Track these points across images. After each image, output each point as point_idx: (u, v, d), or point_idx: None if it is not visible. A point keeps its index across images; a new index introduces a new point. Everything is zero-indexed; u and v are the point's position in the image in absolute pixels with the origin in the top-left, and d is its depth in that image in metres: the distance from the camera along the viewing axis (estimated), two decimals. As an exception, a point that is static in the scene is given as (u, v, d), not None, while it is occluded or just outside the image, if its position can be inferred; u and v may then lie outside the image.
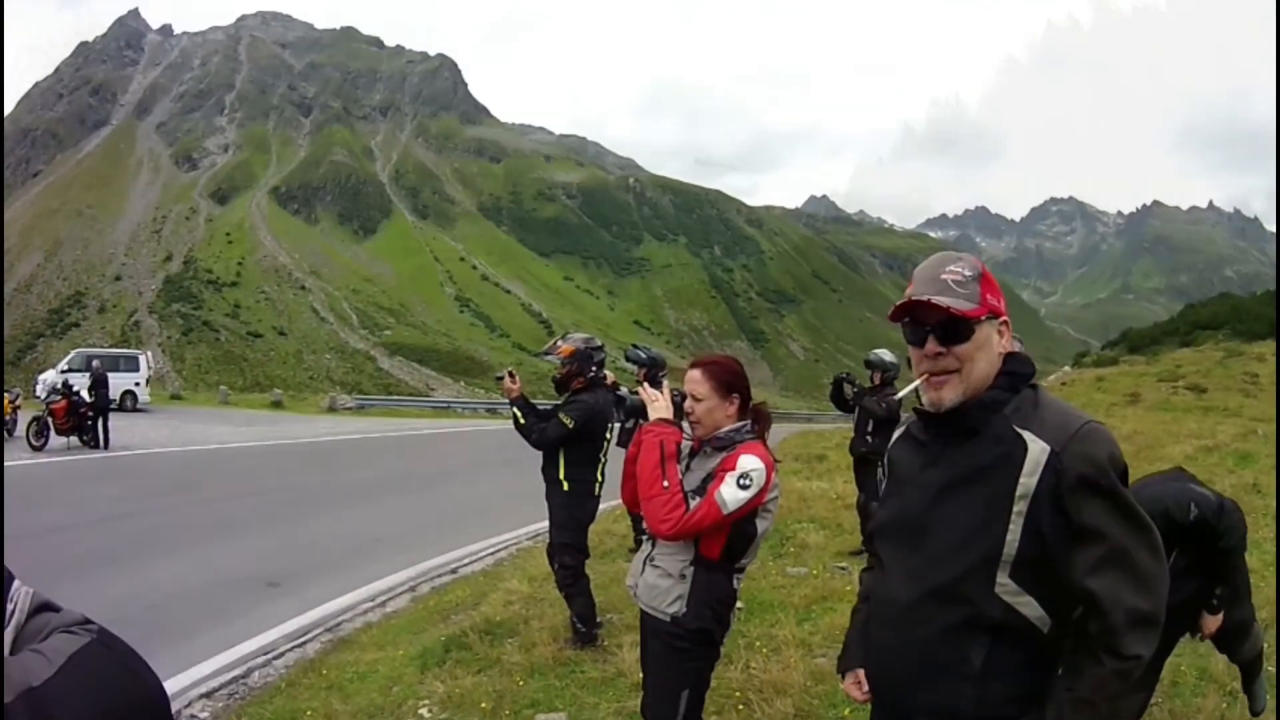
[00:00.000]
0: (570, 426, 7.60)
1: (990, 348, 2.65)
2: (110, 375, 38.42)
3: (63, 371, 29.67)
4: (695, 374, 4.43)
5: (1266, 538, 10.27)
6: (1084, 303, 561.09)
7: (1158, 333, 66.59)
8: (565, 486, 8.02)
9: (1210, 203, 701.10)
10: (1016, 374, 2.66)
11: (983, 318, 2.64)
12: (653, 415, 4.44)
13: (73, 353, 46.10)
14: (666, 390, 4.59)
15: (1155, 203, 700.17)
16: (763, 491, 4.19)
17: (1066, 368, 67.23)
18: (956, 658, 2.55)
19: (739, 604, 8.31)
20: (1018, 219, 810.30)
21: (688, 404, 4.41)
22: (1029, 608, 2.49)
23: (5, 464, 20.91)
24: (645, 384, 4.59)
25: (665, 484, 4.16)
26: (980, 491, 2.55)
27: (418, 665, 7.90)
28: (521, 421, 7.92)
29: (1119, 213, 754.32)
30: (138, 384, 44.20)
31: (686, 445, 4.51)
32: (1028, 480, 2.47)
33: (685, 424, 4.51)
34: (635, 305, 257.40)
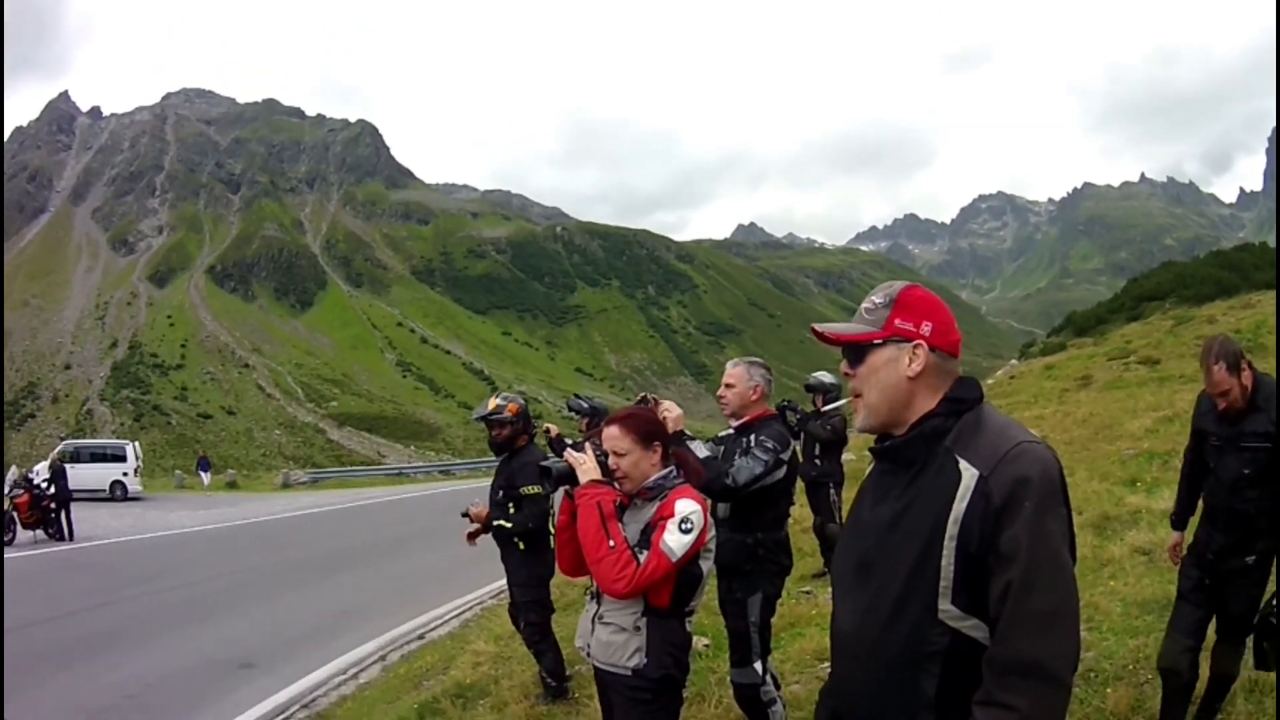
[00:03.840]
0: (546, 492, 7.70)
1: (888, 371, 2.70)
2: (98, 466, 40.25)
3: (53, 464, 29.44)
4: (613, 430, 4.51)
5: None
6: (1024, 294, 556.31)
7: (1103, 312, 64.76)
8: (521, 545, 8.13)
9: (1142, 175, 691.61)
10: (958, 399, 2.67)
11: (875, 341, 2.72)
12: (583, 478, 4.46)
13: (61, 444, 46.27)
14: (590, 451, 4.59)
15: (1086, 184, 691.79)
16: (703, 533, 4.30)
17: (1013, 361, 66.80)
18: (912, 688, 2.54)
19: (706, 640, 8.51)
20: (948, 221, 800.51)
21: (611, 461, 4.47)
22: (977, 630, 2.47)
23: None
24: (569, 448, 4.66)
25: (611, 544, 4.19)
26: (921, 523, 2.54)
27: (395, 735, 8.00)
28: (513, 527, 8.01)
29: (1050, 200, 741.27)
30: (125, 474, 43.66)
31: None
32: (958, 506, 2.46)
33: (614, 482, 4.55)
34: (575, 353, 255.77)
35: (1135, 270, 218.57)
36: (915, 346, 2.67)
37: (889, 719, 2.62)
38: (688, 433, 5.83)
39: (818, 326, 2.88)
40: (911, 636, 2.53)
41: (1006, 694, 2.34)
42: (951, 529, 2.46)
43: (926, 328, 2.69)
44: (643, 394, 6.13)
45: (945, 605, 2.47)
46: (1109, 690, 6.48)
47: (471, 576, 16.02)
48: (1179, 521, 6.33)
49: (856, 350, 2.78)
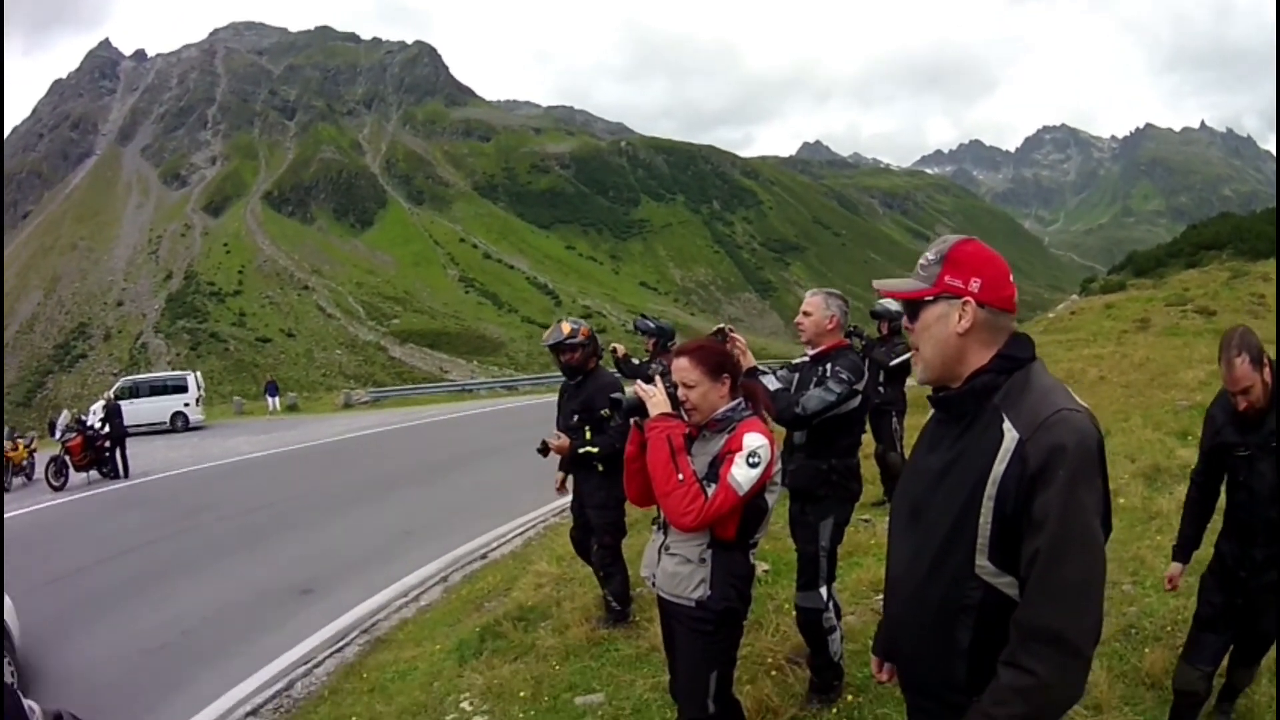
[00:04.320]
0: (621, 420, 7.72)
1: (940, 327, 2.78)
2: (158, 399, 43.78)
3: (108, 403, 29.41)
4: (683, 362, 4.52)
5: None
6: (1086, 229, 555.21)
7: (1162, 254, 65.03)
8: (599, 467, 8.11)
9: (1202, 123, 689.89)
10: (1010, 356, 2.72)
11: (927, 299, 2.80)
12: (653, 411, 4.49)
13: (118, 381, 46.46)
14: (660, 384, 4.61)
15: (1148, 125, 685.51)
16: (770, 466, 4.30)
17: (1074, 296, 66.74)
18: (947, 635, 2.68)
19: (766, 566, 8.43)
20: (1013, 150, 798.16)
21: (681, 392, 4.49)
22: (1011, 587, 2.57)
23: (27, 508, 21.50)
24: (639, 381, 4.66)
25: (680, 477, 4.21)
26: (965, 478, 2.63)
27: (456, 658, 8.03)
28: (600, 451, 7.99)
29: (1113, 137, 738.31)
30: (187, 404, 44.19)
31: None
32: (998, 467, 2.55)
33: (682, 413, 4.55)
34: (640, 267, 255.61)
35: (1194, 216, 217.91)
36: (964, 303, 2.73)
37: (927, 663, 2.80)
38: (761, 367, 5.97)
39: (877, 283, 2.99)
40: (950, 587, 2.67)
41: (1028, 659, 2.44)
42: (990, 489, 2.56)
43: (975, 284, 2.73)
44: (720, 326, 6.16)
45: (982, 561, 2.59)
46: (1147, 650, 6.47)
47: (534, 494, 15.93)
48: (1183, 553, 5.65)
49: (911, 306, 2.87)
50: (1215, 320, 32.06)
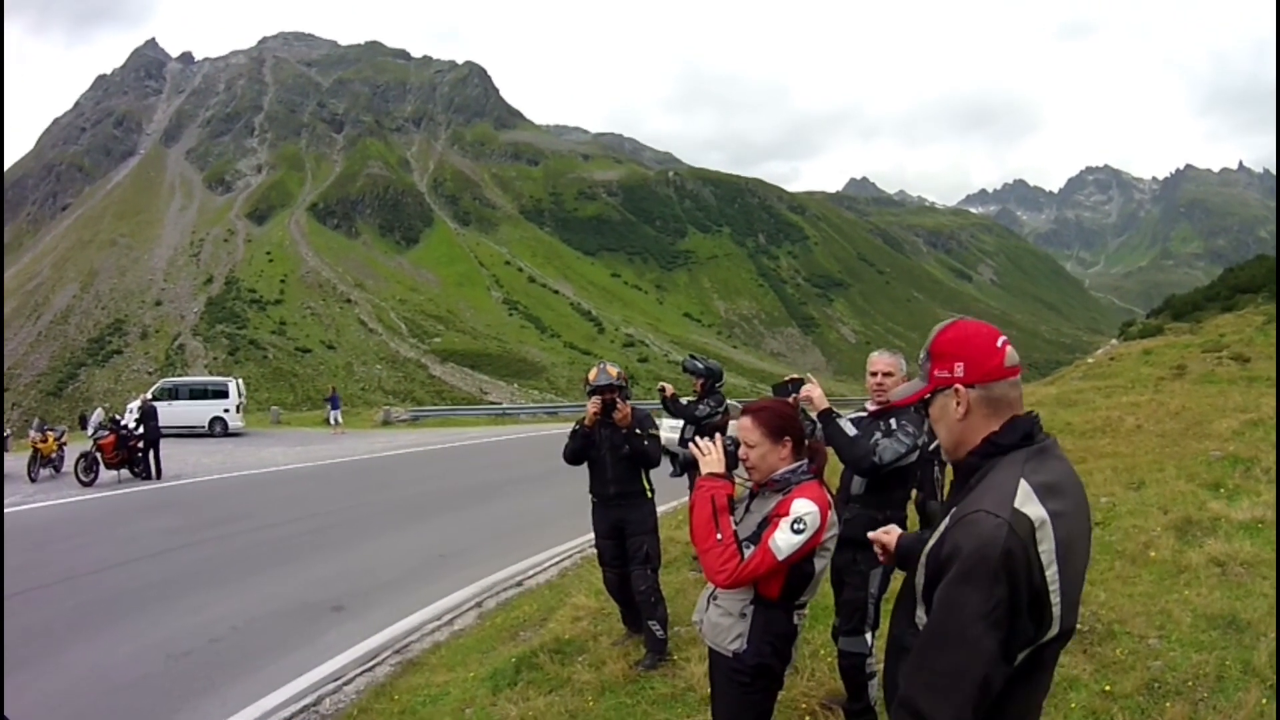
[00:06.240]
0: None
1: (944, 419, 2.91)
2: (198, 403, 44.51)
3: (150, 401, 29.36)
4: (746, 421, 4.64)
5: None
6: (1126, 271, 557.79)
7: (1200, 298, 65.39)
8: (650, 495, 8.65)
9: (1240, 163, 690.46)
10: (994, 443, 2.80)
11: (926, 395, 2.95)
12: (704, 469, 4.59)
13: (159, 382, 47.55)
14: (719, 441, 4.69)
15: (1188, 166, 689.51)
16: (819, 533, 4.35)
17: (1113, 340, 66.52)
18: (892, 673, 2.92)
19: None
20: (1056, 190, 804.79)
21: (741, 451, 4.62)
22: None
23: (55, 501, 21.66)
24: (696, 439, 4.74)
25: (719, 536, 4.32)
26: (930, 541, 2.80)
27: (489, 687, 8.01)
28: (649, 444, 8.47)
29: (1154, 178, 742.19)
30: (226, 410, 44.39)
31: (746, 488, 4.76)
32: (930, 542, 2.76)
33: (742, 469, 4.69)
34: (684, 298, 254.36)
35: (1232, 258, 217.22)
36: (956, 390, 2.84)
37: (889, 694, 2.98)
38: (836, 411, 6.29)
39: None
40: (901, 628, 2.94)
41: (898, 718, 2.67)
42: (925, 556, 2.78)
43: (960, 369, 2.84)
44: (794, 376, 6.30)
45: (919, 613, 2.80)
46: (1168, 704, 6.39)
47: (573, 523, 15.98)
48: None
49: (924, 404, 3.00)
50: (1249, 367, 31.74)
